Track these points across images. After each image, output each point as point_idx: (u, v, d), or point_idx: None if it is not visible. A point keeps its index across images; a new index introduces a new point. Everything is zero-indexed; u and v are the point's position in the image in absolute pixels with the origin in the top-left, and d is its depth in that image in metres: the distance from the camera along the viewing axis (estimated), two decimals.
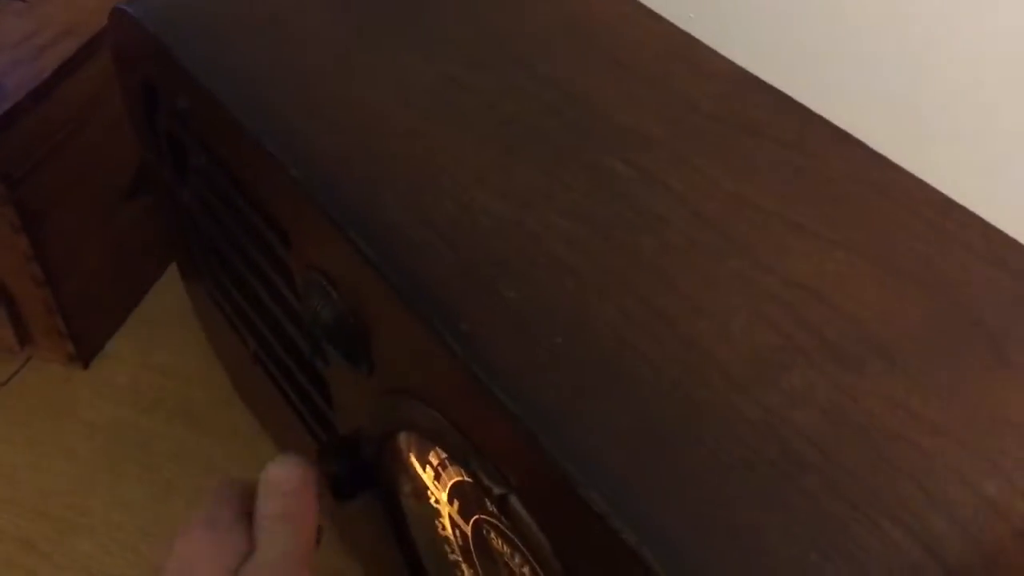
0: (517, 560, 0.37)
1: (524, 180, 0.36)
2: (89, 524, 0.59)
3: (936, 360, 0.30)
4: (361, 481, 0.44)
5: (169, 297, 0.71)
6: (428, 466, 0.41)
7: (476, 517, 0.38)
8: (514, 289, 0.31)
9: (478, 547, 0.40)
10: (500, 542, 0.37)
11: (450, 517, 0.41)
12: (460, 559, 0.43)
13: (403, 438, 0.41)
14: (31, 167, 0.58)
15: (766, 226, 0.34)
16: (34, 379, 0.67)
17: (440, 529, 0.43)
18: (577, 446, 0.27)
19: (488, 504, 0.36)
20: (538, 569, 0.35)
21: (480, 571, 0.41)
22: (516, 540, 0.35)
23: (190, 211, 0.53)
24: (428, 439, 0.36)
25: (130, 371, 0.67)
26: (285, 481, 0.38)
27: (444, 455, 0.38)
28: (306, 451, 0.54)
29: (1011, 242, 0.34)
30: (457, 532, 0.41)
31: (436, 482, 0.41)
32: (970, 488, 0.26)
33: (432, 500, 0.42)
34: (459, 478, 0.38)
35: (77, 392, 0.66)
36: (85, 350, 0.67)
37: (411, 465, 0.42)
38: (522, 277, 0.32)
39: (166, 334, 0.69)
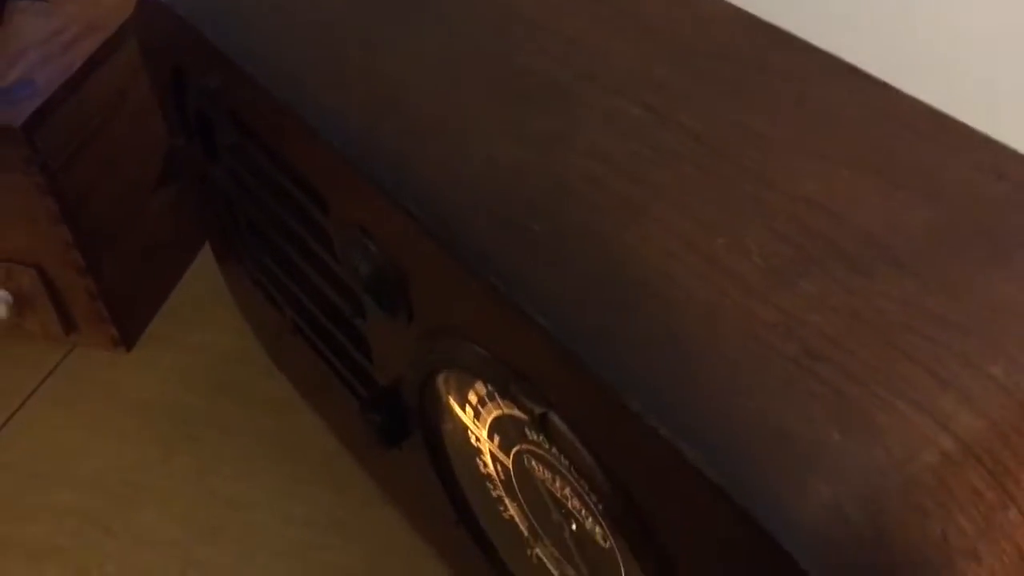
0: (558, 484, 0.39)
1: (542, 128, 0.38)
2: (144, 496, 0.62)
3: (941, 263, 0.32)
4: (404, 428, 0.47)
5: (203, 279, 0.74)
6: (467, 406, 0.43)
7: (517, 448, 0.41)
8: (543, 224, 0.34)
9: (520, 479, 0.42)
10: (542, 469, 0.40)
11: (491, 453, 0.44)
12: (503, 494, 0.45)
13: (442, 382, 0.43)
14: (67, 158, 0.61)
15: (774, 152, 0.36)
16: (80, 365, 0.69)
17: (481, 467, 0.45)
18: (611, 358, 0.30)
19: (528, 433, 0.39)
20: (579, 487, 0.37)
21: (523, 502, 0.43)
22: (558, 462, 0.37)
23: (223, 190, 0.56)
24: (468, 374, 0.39)
25: (172, 352, 0.70)
26: None
27: (483, 392, 0.40)
28: (347, 411, 0.57)
29: (1011, 154, 0.36)
30: (498, 467, 0.44)
31: (476, 420, 0.43)
32: (977, 370, 0.28)
33: (472, 440, 0.45)
34: (498, 412, 0.40)
35: (123, 375, 0.69)
36: (128, 334, 0.69)
37: (451, 407, 0.44)
38: (549, 213, 0.34)
39: (203, 315, 0.72)
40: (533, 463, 0.40)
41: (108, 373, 0.69)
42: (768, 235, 0.33)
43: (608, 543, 0.38)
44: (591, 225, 0.34)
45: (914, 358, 0.29)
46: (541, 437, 0.38)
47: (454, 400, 0.44)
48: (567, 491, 0.39)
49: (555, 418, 0.33)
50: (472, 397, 0.42)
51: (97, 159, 0.63)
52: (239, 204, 0.54)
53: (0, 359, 0.70)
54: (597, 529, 0.38)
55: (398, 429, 0.47)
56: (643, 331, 0.30)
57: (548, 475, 0.40)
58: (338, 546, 0.58)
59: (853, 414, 0.28)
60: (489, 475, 0.45)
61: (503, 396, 0.36)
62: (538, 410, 0.33)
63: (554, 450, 0.38)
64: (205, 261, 0.74)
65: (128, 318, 0.69)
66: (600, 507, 0.36)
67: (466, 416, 0.44)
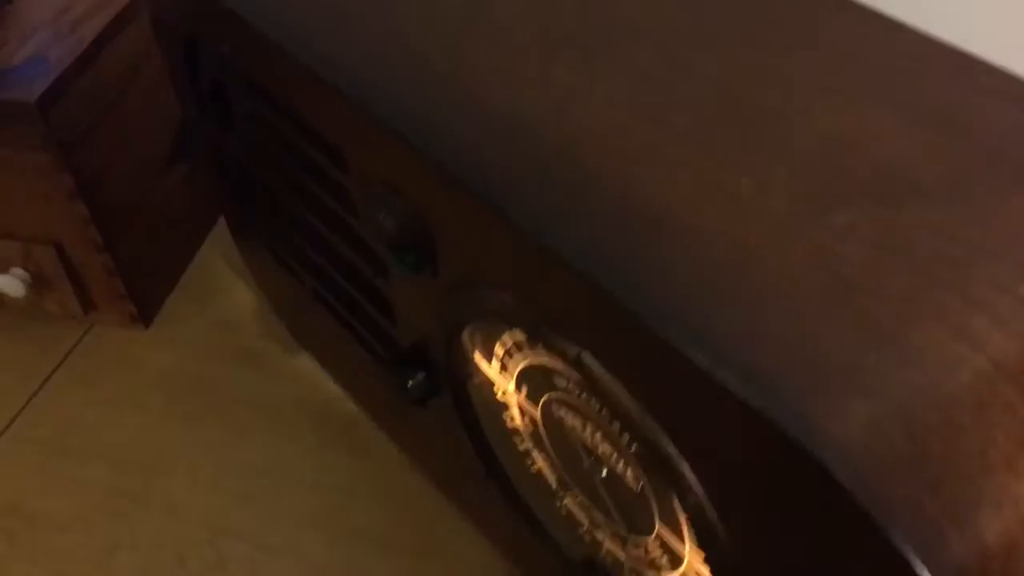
0: (589, 430, 0.40)
1: (562, 79, 0.38)
2: (171, 467, 0.62)
3: (967, 191, 0.32)
4: (432, 386, 0.47)
5: (218, 254, 0.74)
6: (494, 359, 0.43)
7: (545, 398, 0.41)
8: (568, 171, 0.34)
9: (548, 429, 0.43)
10: (571, 416, 0.40)
11: (518, 406, 0.44)
12: (531, 447, 0.46)
13: (467, 337, 0.44)
14: (82, 135, 0.61)
15: (793, 92, 0.36)
16: (100, 342, 0.70)
17: (508, 422, 0.46)
18: (644, 293, 0.30)
19: (557, 381, 0.39)
20: (611, 430, 0.37)
21: (551, 453, 0.44)
22: (589, 407, 0.38)
23: (238, 161, 0.56)
24: (496, 324, 0.39)
25: (190, 327, 0.71)
26: None
27: (510, 343, 0.41)
28: (369, 377, 0.58)
29: None
30: (526, 419, 0.44)
31: (502, 373, 0.44)
32: (1006, 292, 0.29)
33: (499, 394, 0.45)
34: (526, 363, 0.41)
35: (142, 350, 0.69)
36: (146, 310, 0.70)
37: (476, 363, 0.45)
38: (573, 160, 0.34)
39: (220, 289, 0.72)
40: (562, 411, 0.41)
41: (128, 350, 0.69)
42: (792, 173, 0.33)
43: (640, 485, 0.38)
44: (617, 169, 0.34)
45: (945, 283, 0.29)
46: (570, 384, 0.39)
47: (480, 355, 0.44)
48: (597, 436, 0.39)
49: (589, 358, 0.33)
50: (499, 350, 0.43)
51: (111, 135, 0.64)
52: (255, 173, 0.55)
53: (20, 339, 0.70)
54: (628, 472, 0.39)
55: (426, 387, 0.47)
56: (674, 267, 0.31)
57: (578, 422, 0.40)
58: (365, 509, 0.59)
59: (887, 337, 0.28)
60: (516, 429, 0.46)
61: (534, 342, 0.37)
62: (573, 351, 0.34)
63: (584, 395, 0.38)
64: (219, 236, 0.75)
65: (146, 294, 0.70)
66: (633, 447, 0.37)
67: (492, 370, 0.44)
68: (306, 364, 0.67)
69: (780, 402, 0.27)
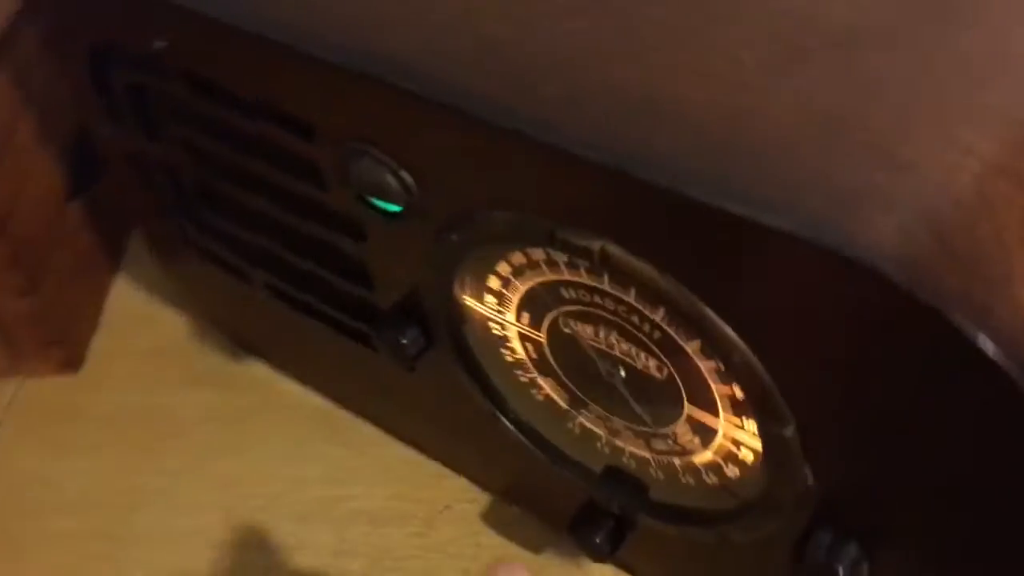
0: (603, 334, 0.41)
1: (520, 5, 0.39)
2: (146, 500, 0.60)
3: (921, 32, 0.35)
4: (427, 340, 0.48)
5: (133, 284, 0.72)
6: (488, 294, 0.45)
7: (552, 316, 0.43)
8: (553, 85, 0.36)
9: (556, 349, 0.44)
10: (584, 326, 0.42)
11: (519, 336, 0.46)
12: (535, 375, 0.47)
13: (457, 282, 0.45)
14: None
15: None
16: (35, 394, 0.66)
17: (508, 356, 0.47)
18: (661, 163, 0.32)
19: (565, 293, 0.41)
20: (632, 322, 0.39)
21: (560, 374, 0.45)
22: (604, 307, 0.40)
23: (165, 167, 0.55)
24: (496, 249, 0.40)
25: (124, 362, 0.68)
26: None
27: (508, 270, 0.42)
28: (340, 360, 0.58)
29: None
30: (528, 347, 0.46)
31: (500, 306, 0.45)
32: (980, 103, 0.33)
33: (496, 330, 0.46)
34: (529, 285, 0.42)
35: (81, 395, 0.66)
36: (74, 353, 0.67)
37: (468, 305, 0.46)
38: (554, 72, 0.36)
39: (144, 319, 0.70)
40: (571, 324, 0.42)
41: (67, 397, 0.66)
42: (756, 45, 0.36)
43: (665, 372, 0.41)
44: (597, 70, 0.36)
45: (925, 107, 0.33)
46: (580, 292, 0.40)
47: (471, 296, 0.46)
48: (613, 337, 0.41)
49: (613, 247, 0.35)
50: (494, 283, 0.44)
51: (9, 175, 0.61)
52: (189, 174, 0.54)
53: None
54: (651, 363, 0.41)
55: (422, 342, 0.48)
56: (679, 136, 0.33)
57: (590, 330, 0.42)
58: (361, 494, 0.59)
59: (887, 158, 0.31)
60: (517, 361, 0.47)
61: (538, 258, 0.38)
62: (595, 245, 0.35)
63: (598, 298, 0.40)
64: (132, 264, 0.72)
65: (72, 337, 0.67)
66: (656, 334, 0.39)
67: (487, 307, 0.46)
68: (260, 371, 0.66)
69: (818, 227, 0.30)
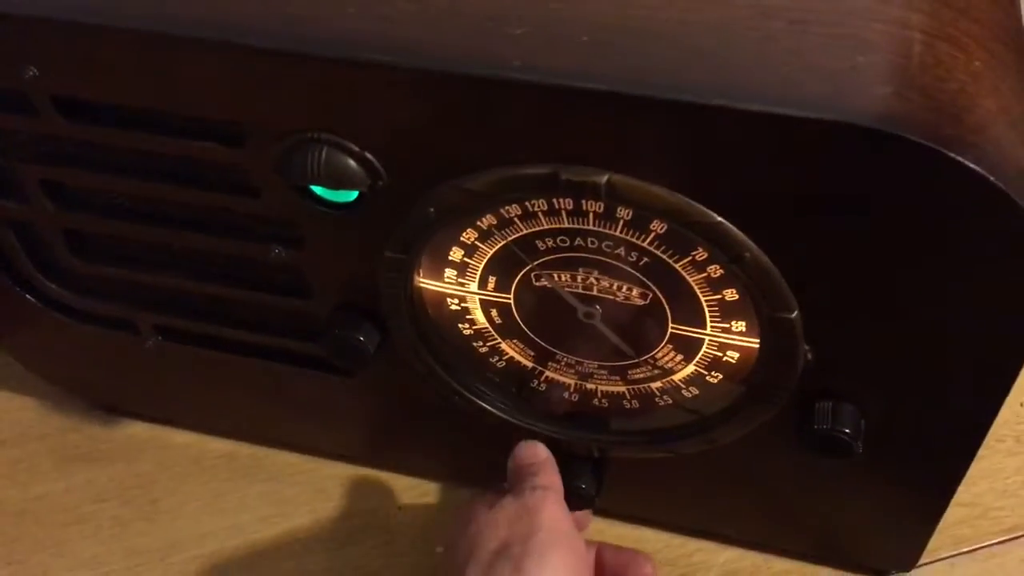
0: (581, 277, 0.42)
1: None
2: None
3: None
4: (382, 333, 0.46)
5: None
6: (449, 269, 0.44)
7: (521, 275, 0.43)
8: (519, 28, 0.36)
9: (524, 307, 0.44)
10: (560, 274, 0.42)
11: (481, 304, 0.45)
12: (497, 341, 0.47)
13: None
14: None
15: None
16: None
17: (465, 329, 0.47)
18: (660, 79, 0.34)
19: (541, 244, 0.41)
20: (617, 255, 0.40)
21: (527, 331, 0.46)
22: (587, 248, 0.40)
23: (16, 222, 0.48)
24: (492, 202, 0.39)
25: None
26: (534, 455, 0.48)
27: (473, 237, 0.42)
28: (251, 394, 0.54)
29: None
30: (492, 313, 0.46)
31: (459, 279, 0.44)
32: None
33: (453, 305, 0.46)
34: (495, 248, 0.42)
35: None
36: None
37: (420, 286, 0.45)
38: (516, 19, 0.36)
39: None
40: (546, 276, 0.43)
41: None
42: None
43: (649, 297, 0.42)
44: (561, 6, 0.37)
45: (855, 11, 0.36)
46: (558, 239, 0.41)
47: (425, 276, 0.45)
48: (593, 277, 0.42)
49: (618, 177, 0.36)
50: (456, 254, 0.43)
51: None
52: (53, 224, 0.48)
53: None
54: (635, 292, 0.42)
55: (378, 336, 0.46)
56: (667, 53, 0.35)
57: (568, 276, 0.42)
58: (306, 523, 0.56)
59: (855, 43, 0.35)
60: (477, 332, 0.47)
61: (550, 193, 0.38)
62: (601, 177, 0.36)
63: (579, 240, 0.41)
64: None
65: None
66: (643, 261, 0.40)
67: (443, 284, 0.45)
68: (139, 430, 0.60)
69: (834, 107, 0.32)
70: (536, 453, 0.47)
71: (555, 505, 0.44)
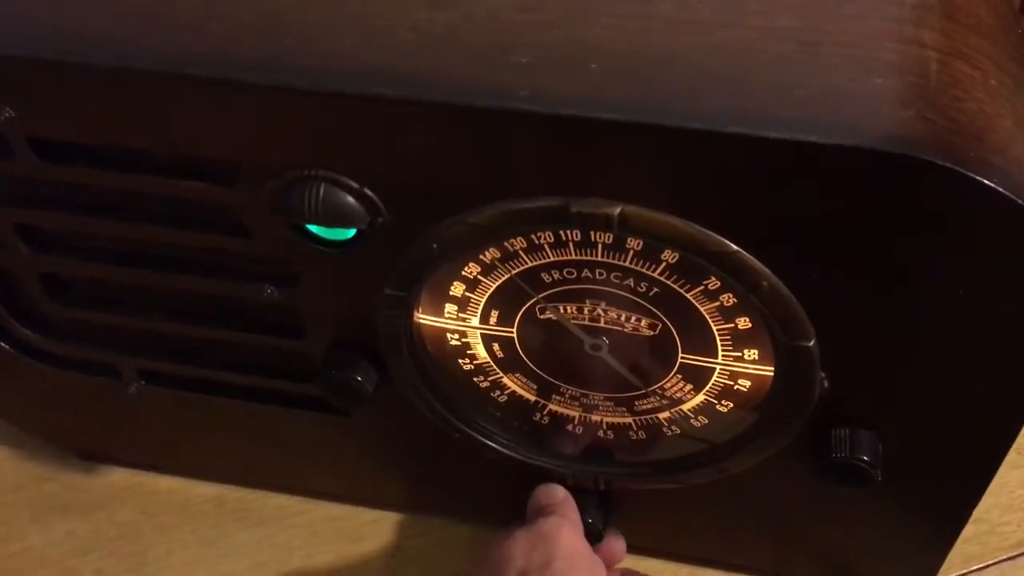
0: (588, 309, 0.41)
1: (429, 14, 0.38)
2: None
3: None
4: (380, 372, 0.45)
5: None
6: (449, 304, 0.42)
7: (525, 308, 0.41)
8: (525, 55, 0.35)
9: (527, 341, 0.43)
10: (565, 306, 0.41)
11: (483, 338, 0.44)
12: (499, 376, 0.45)
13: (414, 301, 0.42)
14: None
15: None
16: None
17: (466, 364, 0.45)
18: (679, 107, 0.33)
19: (546, 276, 0.40)
20: (626, 286, 0.39)
21: (530, 365, 0.44)
22: (594, 279, 0.39)
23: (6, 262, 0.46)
24: (498, 236, 0.38)
25: None
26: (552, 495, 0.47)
27: (476, 271, 0.40)
28: (240, 437, 0.52)
29: None
30: (494, 347, 0.44)
31: (461, 314, 0.43)
32: (909, 7, 0.36)
33: (453, 340, 0.44)
34: (500, 281, 0.41)
35: None
36: None
37: (420, 322, 0.43)
38: (521, 46, 0.35)
39: None
40: (551, 308, 0.41)
41: None
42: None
43: (659, 328, 0.41)
44: (563, 34, 0.35)
45: (864, 15, 0.35)
46: (565, 272, 0.39)
47: (425, 312, 0.43)
48: (600, 308, 0.41)
49: (631, 208, 0.35)
50: (457, 289, 0.42)
51: None
52: (31, 268, 0.45)
53: None
54: (644, 323, 0.41)
55: (376, 376, 0.44)
56: (683, 79, 0.34)
57: (574, 308, 0.41)
58: (301, 567, 0.54)
59: (871, 64, 0.34)
60: (478, 366, 0.45)
61: (560, 224, 0.37)
62: (613, 210, 0.35)
63: (587, 272, 0.39)
64: None
65: None
66: (653, 292, 0.39)
67: (444, 321, 0.43)
68: (120, 477, 0.58)
69: (837, 131, 0.31)
70: (554, 494, 0.47)
71: (571, 531, 0.43)
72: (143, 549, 0.55)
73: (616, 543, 0.50)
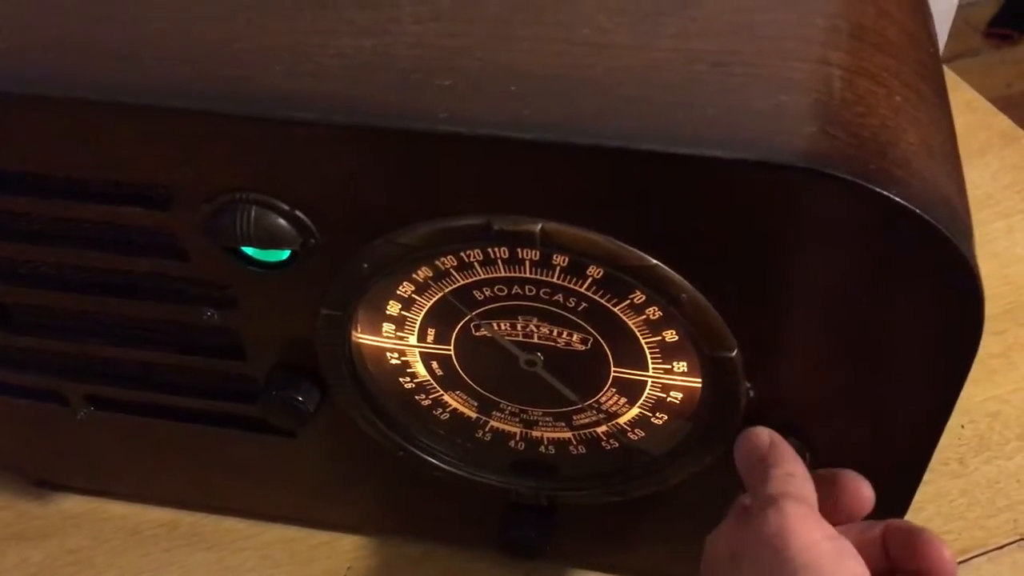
0: (520, 325, 0.42)
1: (364, 18, 0.39)
2: None
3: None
4: (320, 391, 0.45)
5: None
6: (386, 323, 0.43)
7: (460, 326, 0.42)
8: (448, 79, 0.36)
9: (465, 358, 0.44)
10: (499, 323, 0.42)
11: (422, 356, 0.45)
12: (440, 393, 0.46)
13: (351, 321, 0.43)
14: None
15: None
16: None
17: (407, 382, 0.46)
18: (592, 127, 0.34)
19: (479, 295, 0.41)
20: (555, 301, 0.40)
21: (469, 382, 0.45)
22: (524, 296, 0.40)
23: None
24: (426, 253, 0.39)
25: None
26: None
27: (410, 290, 0.41)
28: (190, 459, 0.52)
29: None
30: (433, 365, 0.45)
31: (398, 333, 0.44)
32: (811, 26, 0.38)
33: (393, 359, 0.45)
34: (434, 299, 0.41)
35: None
36: None
37: (359, 342, 0.44)
38: (444, 70, 0.36)
39: None
40: (485, 325, 0.42)
41: None
42: (610, 15, 0.39)
43: (590, 342, 0.42)
44: (484, 57, 0.36)
45: (774, 36, 0.37)
46: (495, 289, 0.40)
47: (362, 331, 0.44)
48: (533, 324, 0.42)
49: (551, 225, 0.36)
50: (393, 308, 0.43)
51: None
52: None
53: None
54: (575, 337, 0.42)
55: (317, 395, 0.45)
56: (597, 100, 0.35)
57: (507, 325, 0.42)
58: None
59: (778, 83, 0.35)
60: (418, 385, 0.46)
61: (483, 243, 0.38)
62: (535, 226, 0.36)
63: (517, 289, 0.40)
64: None
65: None
66: (582, 307, 0.40)
67: (382, 339, 0.44)
68: (72, 504, 0.58)
69: (743, 147, 0.33)
70: (758, 443, 0.39)
71: (802, 522, 0.34)
72: (94, 571, 0.55)
73: (851, 487, 0.39)
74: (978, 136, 0.80)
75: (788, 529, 0.34)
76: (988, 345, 0.66)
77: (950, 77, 0.88)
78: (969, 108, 0.84)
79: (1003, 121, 0.82)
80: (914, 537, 0.38)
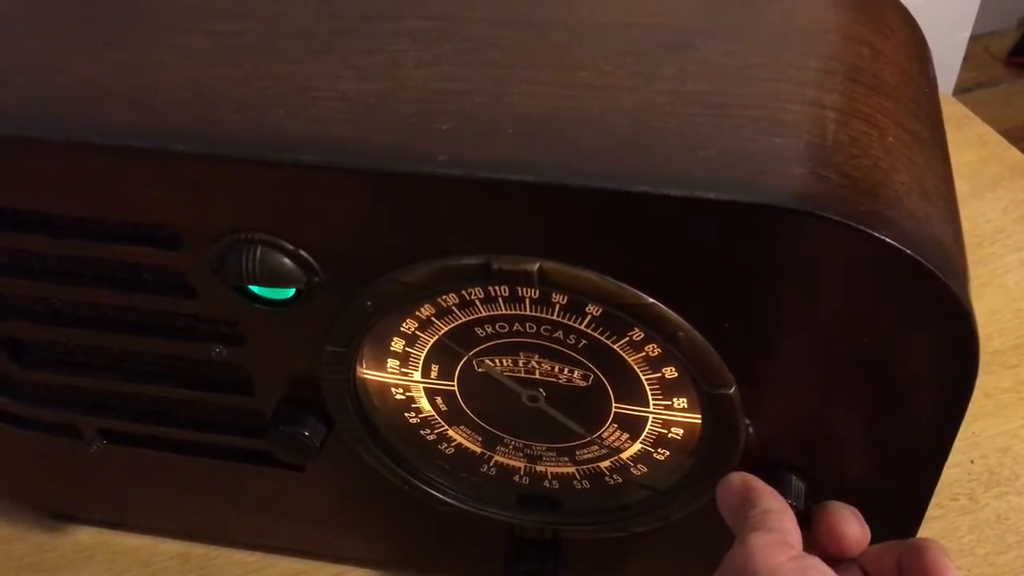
0: (522, 362, 0.42)
1: (368, 64, 0.40)
2: None
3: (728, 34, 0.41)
4: (327, 426, 0.46)
5: None
6: (391, 359, 0.44)
7: (463, 362, 0.43)
8: (446, 123, 0.37)
9: (468, 394, 0.45)
10: (501, 359, 0.42)
11: (426, 392, 0.45)
12: (445, 428, 0.47)
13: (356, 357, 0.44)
14: None
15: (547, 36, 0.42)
16: None
17: (412, 417, 0.47)
18: (589, 169, 0.35)
19: (480, 331, 0.41)
20: (556, 338, 0.41)
21: (473, 418, 0.46)
22: (525, 333, 0.41)
23: None
24: (427, 293, 0.39)
25: None
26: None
27: (413, 327, 0.42)
28: (202, 492, 0.53)
29: None
30: (437, 400, 0.45)
31: (402, 369, 0.44)
32: (805, 68, 0.38)
33: (398, 395, 0.46)
34: (437, 335, 0.42)
35: None
36: None
37: (364, 377, 0.45)
38: (443, 114, 0.37)
39: None
40: (488, 362, 0.43)
41: None
42: (609, 58, 0.39)
43: (591, 378, 0.42)
44: (485, 102, 0.37)
45: (771, 80, 0.38)
46: (496, 326, 0.41)
47: (368, 368, 0.45)
48: (534, 361, 0.42)
49: (549, 264, 0.37)
50: (397, 345, 0.43)
51: None
52: None
53: None
54: (576, 374, 0.42)
55: (324, 430, 0.46)
56: (593, 142, 0.36)
57: (509, 361, 0.43)
58: None
59: (771, 125, 0.36)
60: (424, 420, 0.47)
61: (482, 282, 0.38)
62: (532, 266, 0.37)
63: (517, 326, 0.41)
64: None
65: None
66: (582, 343, 0.40)
67: (387, 375, 0.45)
68: (86, 536, 0.58)
69: (735, 188, 0.33)
70: (733, 490, 0.40)
71: (768, 548, 0.35)
72: None
73: (838, 526, 0.39)
74: (990, 170, 0.81)
75: (752, 556, 0.35)
76: (1000, 379, 0.67)
77: (962, 111, 0.89)
78: (981, 142, 0.84)
79: (1015, 155, 0.82)
80: (922, 555, 0.39)
